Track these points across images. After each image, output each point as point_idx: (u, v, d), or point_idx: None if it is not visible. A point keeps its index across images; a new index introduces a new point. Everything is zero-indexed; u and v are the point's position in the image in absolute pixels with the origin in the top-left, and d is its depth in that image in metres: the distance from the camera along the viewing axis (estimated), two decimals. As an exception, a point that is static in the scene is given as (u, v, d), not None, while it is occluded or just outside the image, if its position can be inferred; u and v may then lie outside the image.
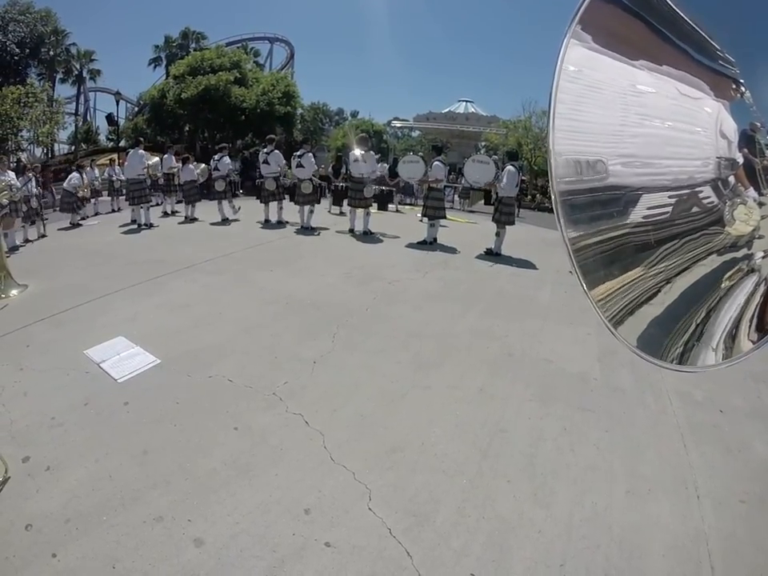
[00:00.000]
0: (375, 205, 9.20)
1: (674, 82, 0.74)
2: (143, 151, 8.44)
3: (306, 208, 7.88)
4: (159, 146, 21.55)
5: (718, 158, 0.72)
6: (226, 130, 23.35)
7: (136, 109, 31.53)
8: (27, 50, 25.25)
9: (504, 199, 6.59)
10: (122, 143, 23.17)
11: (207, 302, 4.34)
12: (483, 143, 26.82)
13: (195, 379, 2.98)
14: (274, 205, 8.27)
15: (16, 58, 24.83)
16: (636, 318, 0.80)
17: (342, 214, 9.89)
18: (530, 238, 8.25)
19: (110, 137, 29.37)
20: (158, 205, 9.78)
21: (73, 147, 29.30)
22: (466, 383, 3.10)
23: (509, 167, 6.64)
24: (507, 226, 6.66)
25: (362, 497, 2.07)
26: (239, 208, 8.87)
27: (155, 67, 31.62)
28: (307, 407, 2.71)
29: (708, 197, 0.73)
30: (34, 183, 7.30)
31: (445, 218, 7.59)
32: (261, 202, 8.41)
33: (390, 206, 11.55)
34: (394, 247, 7.11)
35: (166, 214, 9.40)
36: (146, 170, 8.27)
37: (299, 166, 7.74)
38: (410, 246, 7.10)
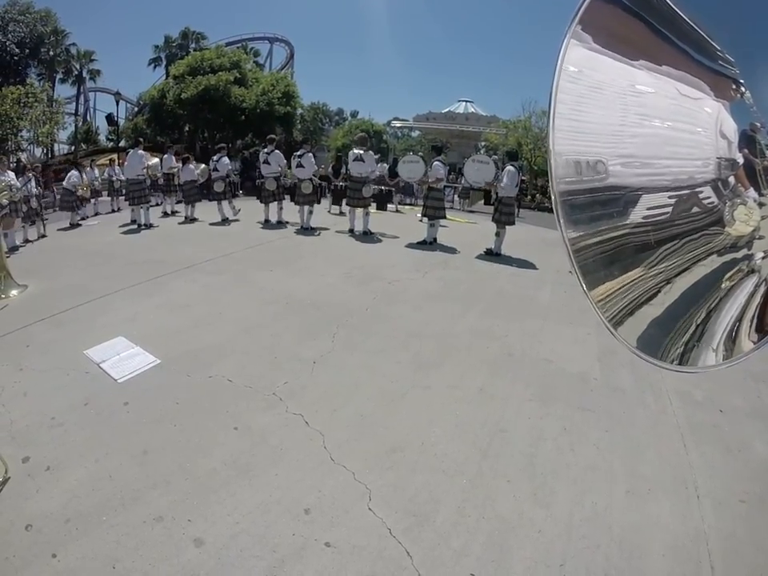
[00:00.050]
0: (374, 204, 9.19)
1: (673, 82, 0.74)
2: (143, 151, 8.43)
3: (306, 208, 7.87)
4: (159, 146, 21.56)
5: (718, 158, 0.72)
6: (225, 130, 23.36)
7: (136, 109, 31.54)
8: (27, 50, 25.26)
9: (504, 199, 6.59)
10: (122, 143, 23.17)
11: (207, 302, 4.34)
12: (483, 143, 26.81)
13: (195, 379, 2.98)
14: (274, 205, 8.27)
15: (16, 58, 24.83)
16: (636, 318, 0.80)
17: (341, 214, 9.89)
18: (529, 238, 8.25)
19: (110, 137, 29.38)
20: (157, 205, 9.79)
21: (73, 147, 29.31)
22: (466, 383, 3.10)
23: (509, 167, 6.64)
24: (507, 226, 6.66)
25: (361, 497, 2.07)
26: (239, 210, 8.87)
27: (155, 67, 31.67)
28: (307, 407, 2.71)
29: (708, 197, 0.73)
30: (33, 183, 7.30)
31: (445, 218, 7.59)
32: (261, 202, 8.41)
33: (389, 206, 11.55)
34: (393, 247, 7.11)
35: (165, 214, 9.40)
36: (145, 170, 8.27)
37: (299, 165, 7.74)
38: (410, 246, 7.10)
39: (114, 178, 10.33)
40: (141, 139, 9.65)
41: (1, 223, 5.57)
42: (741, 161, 0.70)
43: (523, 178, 12.07)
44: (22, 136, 21.94)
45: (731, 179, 0.71)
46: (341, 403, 2.80)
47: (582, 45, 0.77)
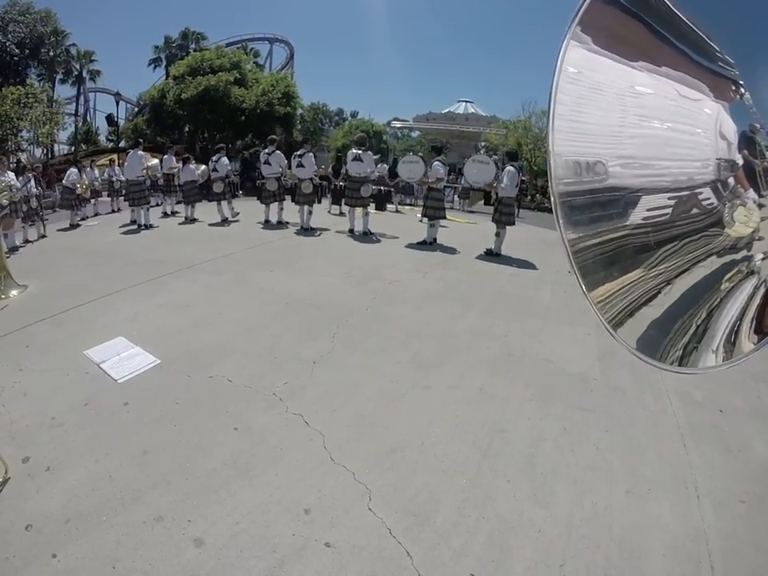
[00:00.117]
0: (373, 204, 9.19)
1: (673, 83, 0.74)
2: (142, 152, 8.43)
3: (306, 208, 7.88)
4: (159, 147, 21.56)
5: (717, 159, 0.72)
6: (225, 131, 23.36)
7: (136, 109, 31.56)
8: (27, 51, 25.27)
9: (504, 199, 6.59)
10: (122, 144, 23.18)
11: (207, 303, 4.34)
12: (483, 143, 26.80)
13: (195, 379, 2.98)
14: (274, 205, 8.27)
15: (16, 58, 24.84)
16: (636, 319, 0.80)
17: (341, 214, 9.89)
18: (530, 239, 8.25)
19: (110, 137, 29.40)
20: (158, 205, 9.79)
21: (73, 148, 29.32)
22: (466, 383, 3.10)
23: (509, 167, 6.64)
24: (507, 227, 6.66)
25: (361, 497, 2.07)
26: (238, 213, 8.86)
27: (155, 68, 31.69)
28: (307, 407, 2.71)
29: (708, 198, 0.73)
30: (33, 183, 7.30)
31: (445, 218, 7.59)
32: (262, 203, 8.41)
33: (389, 206, 11.56)
34: (393, 247, 7.11)
35: (165, 215, 9.40)
36: (145, 170, 8.26)
37: (300, 165, 7.74)
38: (410, 246, 7.10)
39: (114, 179, 10.33)
40: (140, 140, 9.65)
41: (1, 223, 5.57)
42: (740, 162, 0.70)
43: (523, 178, 12.06)
44: (21, 136, 21.95)
45: (731, 180, 0.71)
46: (341, 403, 2.80)
47: (581, 46, 0.77)
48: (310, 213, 7.93)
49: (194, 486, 2.08)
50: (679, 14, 0.72)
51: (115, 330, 3.60)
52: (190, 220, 8.63)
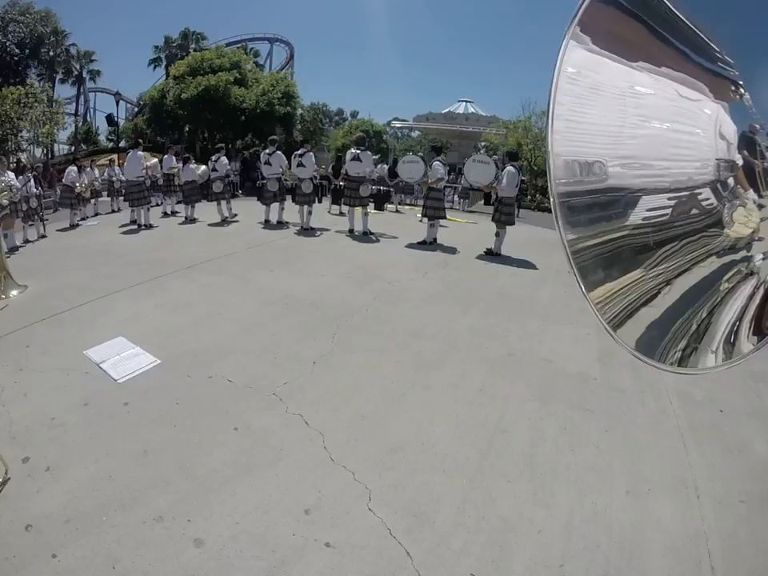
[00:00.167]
0: (372, 204, 9.18)
1: (673, 83, 0.74)
2: (142, 152, 8.44)
3: (305, 208, 7.88)
4: (159, 147, 21.57)
5: (717, 159, 0.72)
6: (225, 131, 23.34)
7: (136, 109, 31.59)
8: (27, 51, 25.29)
9: (504, 199, 6.59)
10: (122, 144, 23.19)
11: (207, 302, 4.35)
12: (483, 143, 26.78)
13: (195, 379, 2.98)
14: (274, 205, 8.28)
15: (16, 58, 24.86)
16: (635, 320, 0.80)
17: (341, 214, 9.89)
18: (530, 238, 8.25)
19: (110, 137, 29.41)
20: (157, 205, 9.79)
21: (73, 148, 29.33)
22: (466, 383, 3.10)
23: (509, 168, 6.64)
24: (507, 226, 6.66)
25: (362, 497, 2.07)
26: (235, 215, 8.83)
27: (155, 68, 31.70)
28: (307, 407, 2.71)
29: (707, 199, 0.73)
30: (33, 183, 7.30)
31: (445, 218, 7.59)
32: (262, 203, 8.41)
33: (389, 206, 11.56)
34: (393, 247, 7.11)
35: (165, 215, 9.41)
36: (144, 171, 8.26)
37: (300, 165, 7.74)
38: (410, 246, 7.10)
39: (114, 179, 10.33)
40: (140, 140, 9.64)
41: (1, 223, 5.57)
42: (740, 162, 0.70)
43: (523, 178, 12.05)
44: (22, 136, 21.96)
45: (730, 181, 0.71)
46: (341, 403, 2.80)
47: (581, 46, 0.77)
48: (310, 213, 7.92)
49: (194, 485, 2.08)
50: (679, 13, 0.72)
51: (115, 330, 3.60)
52: (190, 220, 8.63)
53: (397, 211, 11.52)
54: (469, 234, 8.74)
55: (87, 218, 9.24)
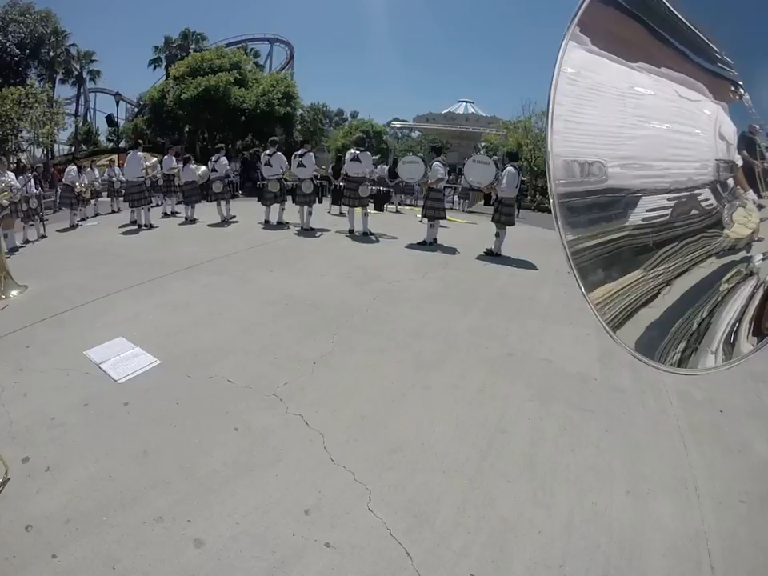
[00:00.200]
0: (371, 205, 9.18)
1: (672, 84, 0.74)
2: (141, 153, 8.44)
3: (305, 209, 7.88)
4: (159, 147, 21.56)
5: (717, 160, 0.72)
6: (225, 131, 23.33)
7: (136, 109, 31.58)
8: (27, 51, 25.30)
9: (504, 200, 6.59)
10: (122, 144, 23.19)
11: (207, 303, 4.35)
12: (483, 144, 26.77)
13: (195, 379, 2.98)
14: (275, 206, 8.28)
15: (16, 58, 24.87)
16: (635, 321, 0.80)
17: (341, 214, 9.89)
18: (530, 239, 8.25)
19: (110, 137, 29.42)
20: (158, 206, 9.79)
21: (73, 148, 29.34)
22: (466, 383, 3.10)
23: (509, 168, 6.64)
24: (507, 227, 6.66)
25: (362, 497, 2.07)
26: (233, 216, 8.80)
27: (155, 68, 31.72)
28: (307, 408, 2.71)
29: (707, 199, 0.73)
30: (33, 183, 7.30)
31: (445, 218, 7.59)
32: (263, 204, 8.41)
33: (389, 206, 11.55)
34: (393, 248, 7.11)
35: (166, 215, 9.41)
36: (144, 171, 8.26)
37: (300, 165, 7.75)
38: (410, 246, 7.10)
39: (114, 179, 10.33)
40: (140, 141, 9.64)
41: (1, 224, 5.57)
42: (740, 163, 0.70)
43: (523, 178, 12.05)
44: (22, 137, 21.96)
45: (730, 181, 0.71)
46: (341, 403, 2.80)
47: (580, 46, 0.77)
48: (310, 213, 7.93)
49: (194, 486, 2.08)
50: (678, 14, 0.73)
51: (115, 330, 3.60)
52: (190, 220, 8.63)
53: (397, 212, 11.52)
54: (469, 234, 8.74)
55: (87, 218, 9.24)
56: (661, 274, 0.77)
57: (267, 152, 8.23)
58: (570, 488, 2.19)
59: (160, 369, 3.10)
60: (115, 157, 17.64)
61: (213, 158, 8.75)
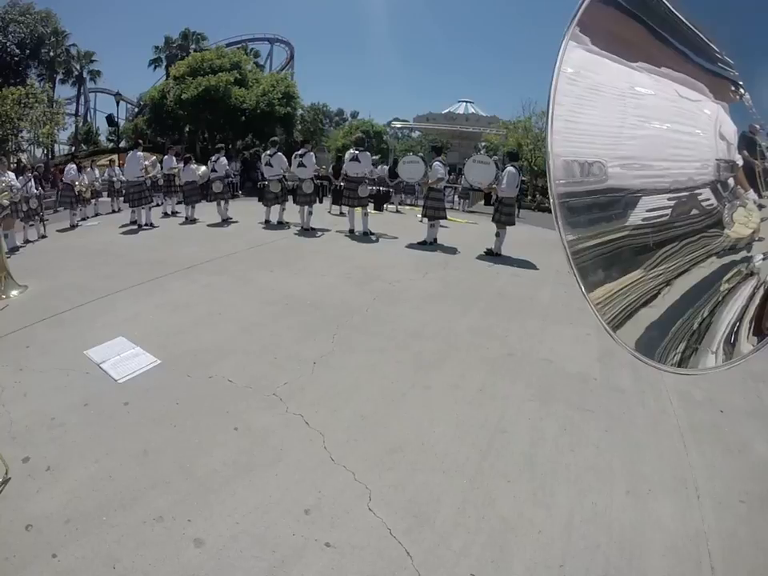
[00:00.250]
0: (371, 204, 9.18)
1: (673, 83, 0.74)
2: (141, 153, 8.44)
3: (306, 209, 7.88)
4: (159, 147, 21.56)
5: (717, 160, 0.72)
6: (226, 131, 23.34)
7: (136, 110, 31.59)
8: (27, 51, 25.30)
9: (504, 199, 6.59)
10: (123, 144, 23.20)
11: (208, 303, 4.35)
12: (483, 144, 26.77)
13: (195, 379, 2.98)
14: (275, 206, 8.28)
15: (16, 58, 24.88)
16: (635, 320, 0.80)
17: (342, 214, 9.89)
18: (530, 238, 8.25)
19: (111, 138, 29.45)
20: (158, 205, 9.79)
21: (73, 148, 29.34)
22: (466, 383, 3.10)
23: (509, 168, 6.63)
24: (507, 227, 6.66)
25: (362, 497, 2.07)
26: (230, 217, 8.77)
27: (155, 68, 31.73)
28: (307, 407, 2.71)
29: (707, 199, 0.73)
30: (33, 183, 7.31)
31: (445, 218, 7.59)
32: (264, 204, 8.41)
33: (389, 206, 11.55)
34: (394, 248, 7.11)
35: (166, 215, 9.42)
36: (143, 170, 8.26)
37: (301, 165, 7.75)
38: (410, 246, 7.10)
39: (115, 179, 10.33)
40: (140, 141, 9.64)
41: (1, 224, 5.57)
42: (740, 163, 0.70)
43: (523, 178, 12.05)
44: (22, 137, 21.96)
45: (731, 181, 0.71)
46: (341, 403, 2.80)
47: (580, 46, 0.77)
48: (310, 213, 7.93)
49: (194, 486, 2.09)
50: (678, 14, 0.72)
51: (115, 330, 3.60)
52: (191, 220, 8.63)
53: (397, 211, 11.52)
54: (469, 234, 8.74)
55: (87, 218, 9.25)
56: (661, 274, 0.77)
57: (268, 152, 8.23)
58: (570, 488, 2.19)
59: (160, 369, 3.10)
60: (115, 157, 17.64)
61: (212, 158, 8.75)
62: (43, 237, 7.33)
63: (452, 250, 6.97)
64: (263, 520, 1.92)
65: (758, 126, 0.69)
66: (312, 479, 2.16)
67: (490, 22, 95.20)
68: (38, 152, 26.37)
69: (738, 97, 0.71)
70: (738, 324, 0.71)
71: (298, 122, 27.86)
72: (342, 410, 2.74)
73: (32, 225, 7.16)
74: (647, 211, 0.78)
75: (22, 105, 20.21)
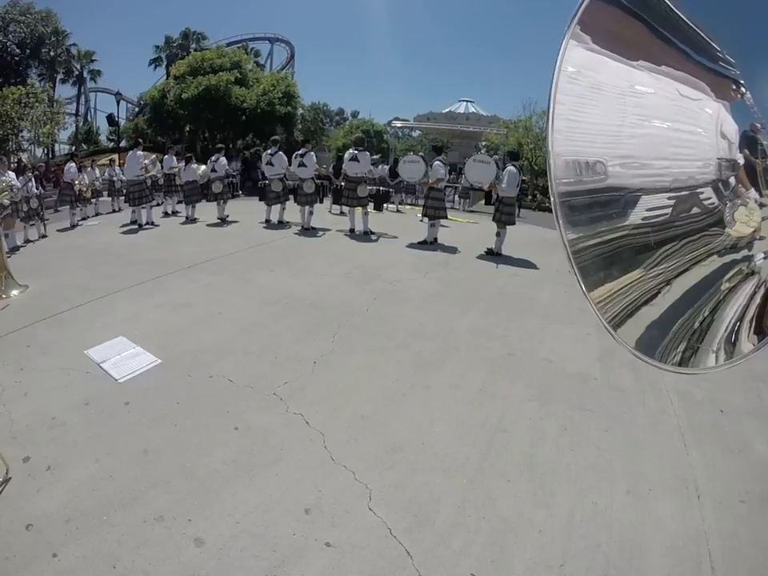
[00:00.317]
0: (371, 204, 9.18)
1: (673, 82, 0.74)
2: (142, 152, 8.45)
3: (306, 208, 7.88)
4: (160, 147, 21.57)
5: (718, 159, 0.72)
6: (226, 131, 23.35)
7: (136, 109, 31.60)
8: (28, 51, 25.32)
9: (505, 199, 6.58)
10: (123, 143, 23.21)
11: (208, 302, 4.35)
12: (484, 143, 26.76)
13: (195, 379, 2.99)
14: (276, 205, 8.28)
15: (17, 58, 24.90)
16: (636, 320, 0.80)
17: (342, 213, 9.89)
18: (530, 238, 8.24)
19: (111, 137, 29.46)
20: (158, 205, 9.80)
21: (73, 147, 29.35)
22: (466, 383, 3.10)
23: (510, 167, 6.63)
24: (508, 226, 6.66)
25: (362, 497, 2.07)
26: (227, 216, 8.75)
27: (156, 67, 31.73)
28: (307, 407, 2.71)
29: (708, 198, 0.73)
30: (33, 183, 7.31)
31: (445, 217, 7.59)
32: (266, 203, 8.41)
33: (389, 205, 11.55)
34: (394, 247, 7.11)
35: (166, 215, 9.42)
36: (142, 169, 8.26)
37: (301, 164, 7.74)
38: (411, 246, 7.10)
39: (115, 178, 10.35)
40: (140, 140, 9.64)
41: (2, 223, 5.57)
42: (741, 161, 0.70)
43: (524, 178, 12.05)
44: (22, 136, 21.99)
45: (732, 180, 0.71)
46: (341, 403, 2.80)
47: (581, 45, 0.77)
48: (311, 213, 7.93)
49: (195, 485, 2.09)
50: (679, 13, 0.72)
51: (116, 330, 3.60)
52: (191, 220, 8.64)
53: (397, 211, 11.52)
54: (469, 233, 8.74)
55: (88, 217, 9.26)
56: (661, 273, 0.77)
57: (269, 151, 8.23)
58: (570, 488, 2.19)
59: (160, 368, 3.10)
60: (116, 156, 17.66)
61: (212, 158, 8.75)
62: (44, 236, 7.33)
63: (452, 250, 6.96)
64: (263, 519, 1.92)
65: (759, 125, 0.69)
66: (312, 479, 2.16)
67: (490, 21, 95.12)
68: (39, 152, 26.40)
69: (739, 96, 0.71)
70: (738, 323, 0.70)
71: (299, 121, 27.85)
72: (343, 410, 2.74)
73: (32, 224, 7.17)
74: (647, 210, 0.78)
75: (23, 104, 20.24)
